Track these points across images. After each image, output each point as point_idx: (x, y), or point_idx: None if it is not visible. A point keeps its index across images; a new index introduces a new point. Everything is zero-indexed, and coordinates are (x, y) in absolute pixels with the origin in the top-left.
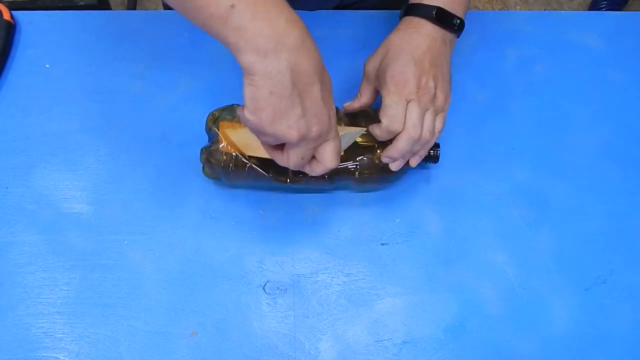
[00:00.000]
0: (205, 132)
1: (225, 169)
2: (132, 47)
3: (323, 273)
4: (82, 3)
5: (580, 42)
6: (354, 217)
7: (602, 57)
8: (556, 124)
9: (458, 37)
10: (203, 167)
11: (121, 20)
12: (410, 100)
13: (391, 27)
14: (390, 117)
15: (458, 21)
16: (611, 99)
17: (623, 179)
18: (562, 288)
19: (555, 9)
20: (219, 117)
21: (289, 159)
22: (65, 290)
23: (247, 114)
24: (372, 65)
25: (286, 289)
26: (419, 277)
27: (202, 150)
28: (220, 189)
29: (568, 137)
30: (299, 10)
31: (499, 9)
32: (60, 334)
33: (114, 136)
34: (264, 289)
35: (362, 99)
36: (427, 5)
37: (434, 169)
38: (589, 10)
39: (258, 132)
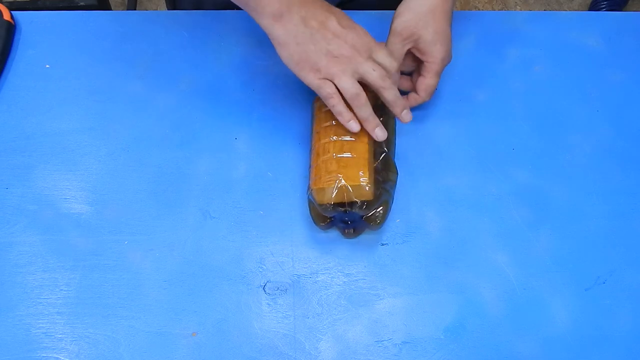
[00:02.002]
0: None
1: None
2: (132, 47)
3: (323, 273)
4: (82, 3)
5: (580, 42)
6: None
7: (602, 57)
8: (556, 124)
9: None
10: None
11: (121, 20)
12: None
13: (383, 27)
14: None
15: None
16: (611, 99)
17: (623, 179)
18: (562, 288)
19: (555, 9)
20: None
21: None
22: (65, 290)
23: (296, 73)
24: (403, 32)
25: (286, 289)
26: (419, 277)
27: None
28: (220, 189)
29: (568, 137)
30: None
31: (499, 9)
32: (60, 334)
33: (114, 136)
34: (264, 289)
35: (395, 58)
36: None
37: (434, 169)
38: (589, 10)
39: (312, 86)
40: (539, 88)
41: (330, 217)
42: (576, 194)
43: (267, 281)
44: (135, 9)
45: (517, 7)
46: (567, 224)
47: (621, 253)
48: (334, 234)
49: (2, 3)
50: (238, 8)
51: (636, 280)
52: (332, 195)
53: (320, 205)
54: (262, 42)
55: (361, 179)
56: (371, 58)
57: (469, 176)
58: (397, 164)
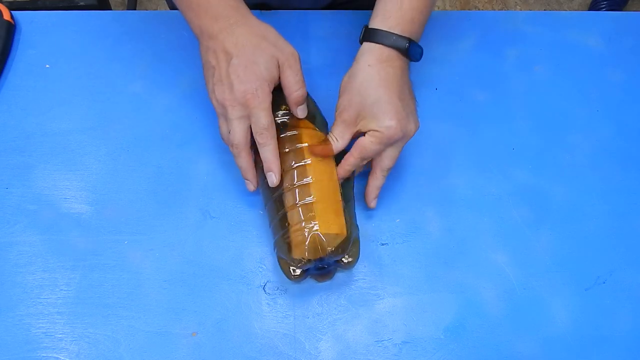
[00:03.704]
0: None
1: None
2: (132, 47)
3: None
4: (82, 3)
5: (580, 42)
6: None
7: (602, 57)
8: (556, 124)
9: None
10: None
11: (121, 20)
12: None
13: None
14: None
15: (420, 50)
16: (611, 99)
17: (623, 179)
18: (562, 288)
19: (555, 9)
20: None
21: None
22: (65, 290)
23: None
24: (349, 113)
25: (286, 289)
26: (419, 277)
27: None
28: (220, 189)
29: (568, 137)
30: (294, 10)
31: (499, 9)
32: (60, 334)
33: (114, 136)
34: (264, 289)
35: (340, 143)
36: (398, 35)
37: (434, 169)
38: (589, 10)
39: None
40: (539, 88)
41: (305, 270)
42: (576, 194)
43: (267, 281)
44: (135, 9)
45: (517, 7)
46: (567, 224)
47: (621, 253)
48: None
49: (2, 3)
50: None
51: (636, 280)
52: (305, 250)
53: (294, 260)
54: None
55: (332, 226)
56: (241, 117)
57: (469, 176)
58: (397, 164)
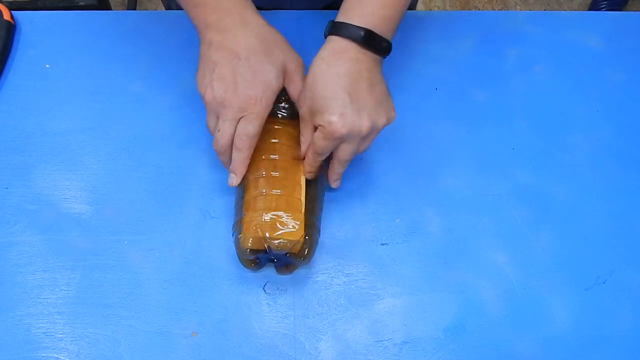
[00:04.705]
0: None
1: None
2: (132, 47)
3: (323, 273)
4: (82, 3)
5: (580, 42)
6: (354, 217)
7: (602, 57)
8: (556, 124)
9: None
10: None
11: (121, 20)
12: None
13: None
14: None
15: (385, 44)
16: (611, 99)
17: (623, 179)
18: (562, 288)
19: (555, 9)
20: None
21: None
22: (65, 290)
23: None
24: (303, 108)
25: (286, 289)
26: (419, 277)
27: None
28: (220, 189)
29: (568, 137)
30: (289, 10)
31: (499, 9)
32: (60, 334)
33: (114, 136)
34: (264, 289)
35: (303, 139)
36: (355, 26)
37: (434, 169)
38: (589, 10)
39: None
40: (539, 88)
41: (256, 259)
42: (576, 194)
43: (267, 281)
44: (135, 9)
45: (517, 7)
46: (567, 224)
47: (621, 253)
48: (334, 234)
49: (2, 3)
50: None
51: (636, 280)
52: (248, 241)
53: (239, 248)
54: None
55: (283, 222)
56: (235, 119)
57: (469, 176)
58: (397, 164)
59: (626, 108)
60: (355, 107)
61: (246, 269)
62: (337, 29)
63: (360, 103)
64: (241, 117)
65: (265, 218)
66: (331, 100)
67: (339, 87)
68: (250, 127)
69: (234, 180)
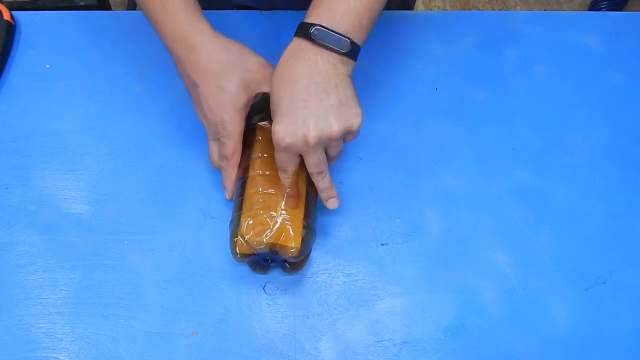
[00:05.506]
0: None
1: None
2: (132, 47)
3: (323, 273)
4: (82, 3)
5: (580, 42)
6: (354, 217)
7: (602, 57)
8: (556, 124)
9: (354, 59)
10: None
11: (121, 21)
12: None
13: (382, 28)
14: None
15: (345, 41)
16: (611, 99)
17: (623, 179)
18: (562, 288)
19: (555, 9)
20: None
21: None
22: (65, 290)
23: None
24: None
25: (286, 289)
26: (419, 277)
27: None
28: (220, 189)
29: (568, 137)
30: (287, 11)
31: (499, 9)
32: (60, 334)
33: (114, 136)
34: (264, 289)
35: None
36: (308, 23)
37: (434, 169)
38: (589, 10)
39: None
40: (538, 88)
41: (255, 262)
42: (576, 194)
43: (267, 281)
44: (135, 9)
45: (517, 7)
46: (567, 224)
47: (621, 253)
48: (334, 234)
49: (2, 3)
50: (238, 8)
51: (636, 280)
52: (264, 238)
53: (249, 242)
54: (262, 42)
55: (293, 242)
56: (215, 140)
57: (469, 176)
58: (396, 164)
59: (626, 108)
60: (300, 115)
61: (252, 272)
62: (297, 29)
63: (309, 110)
64: (219, 138)
65: (250, 222)
66: (277, 108)
67: (287, 93)
68: (225, 149)
69: (226, 195)
